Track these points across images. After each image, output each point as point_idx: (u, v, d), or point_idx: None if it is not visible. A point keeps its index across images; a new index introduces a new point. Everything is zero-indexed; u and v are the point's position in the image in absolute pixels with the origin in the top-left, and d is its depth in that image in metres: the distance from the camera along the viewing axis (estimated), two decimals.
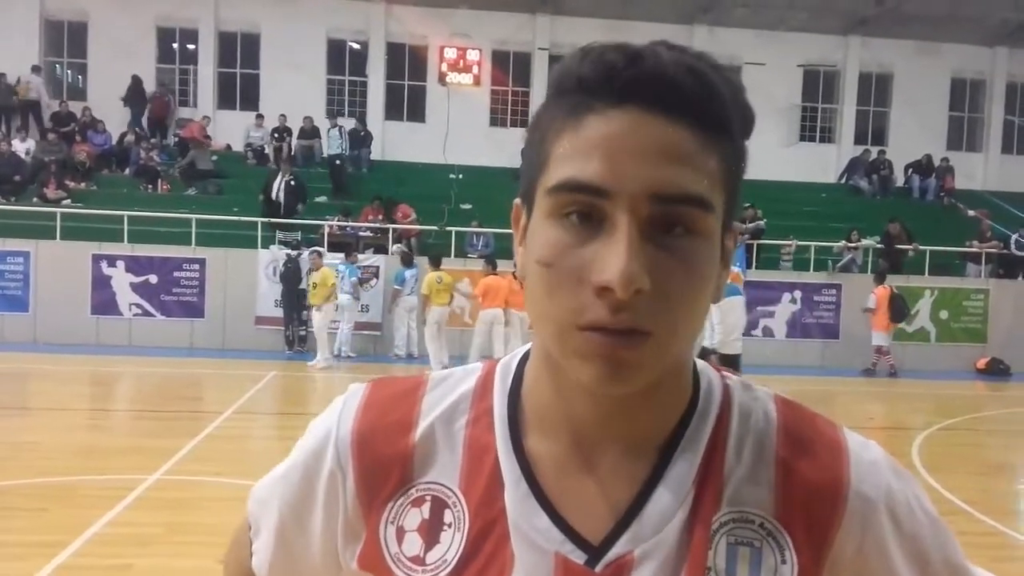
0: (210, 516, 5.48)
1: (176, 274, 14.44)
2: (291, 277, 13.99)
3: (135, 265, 14.35)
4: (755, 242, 15.83)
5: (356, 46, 21.31)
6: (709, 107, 0.68)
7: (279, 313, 14.27)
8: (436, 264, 12.64)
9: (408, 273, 13.74)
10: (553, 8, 20.91)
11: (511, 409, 0.81)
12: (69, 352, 13.10)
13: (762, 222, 16.20)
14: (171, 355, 13.34)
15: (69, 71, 21.12)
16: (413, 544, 0.78)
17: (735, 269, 14.96)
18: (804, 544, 0.75)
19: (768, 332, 15.45)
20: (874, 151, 21.07)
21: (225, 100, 21.02)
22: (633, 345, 0.67)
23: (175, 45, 20.98)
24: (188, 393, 10.92)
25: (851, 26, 21.56)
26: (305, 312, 13.99)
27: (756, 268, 15.63)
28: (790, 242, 16.19)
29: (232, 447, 7.78)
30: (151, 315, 14.40)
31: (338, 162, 18.07)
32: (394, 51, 21.27)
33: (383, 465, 0.81)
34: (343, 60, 21.28)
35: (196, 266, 14.49)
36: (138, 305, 14.38)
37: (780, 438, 0.79)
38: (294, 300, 14.02)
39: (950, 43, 21.75)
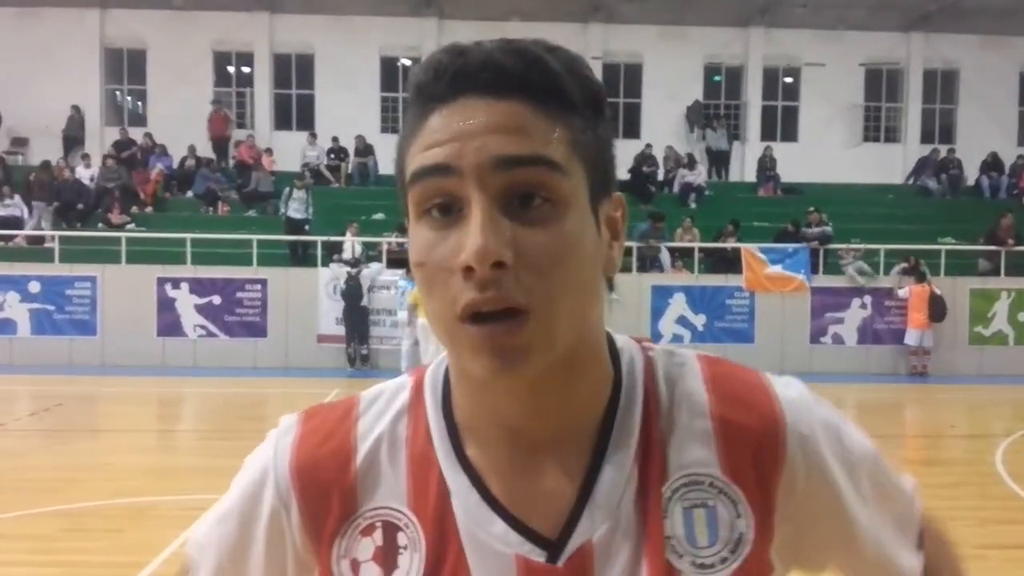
0: None
1: (239, 295, 14.54)
2: (352, 294, 13.99)
3: (199, 287, 14.48)
4: (821, 248, 15.41)
5: (408, 63, 21.37)
6: (538, 80, 0.71)
7: (341, 331, 14.26)
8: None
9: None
10: (606, 16, 20.71)
11: (447, 419, 0.80)
12: (136, 374, 13.24)
13: (828, 227, 15.75)
14: (235, 375, 13.40)
15: (129, 97, 21.56)
16: (371, 573, 0.78)
17: (799, 277, 14.84)
18: (755, 492, 0.77)
19: (838, 339, 14.99)
20: (943, 150, 20.38)
21: (281, 121, 21.24)
22: (514, 329, 0.67)
23: (231, 68, 21.29)
24: (253, 413, 10.92)
25: (913, 22, 20.98)
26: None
27: (824, 274, 15.27)
28: (851, 246, 15.62)
29: None
30: (215, 336, 14.52)
31: (307, 227, 15.91)
32: None
33: (327, 496, 0.80)
34: (396, 77, 21.33)
35: (258, 286, 14.58)
36: (202, 326, 14.50)
37: (711, 396, 0.80)
38: (355, 317, 14.01)
39: (1018, 36, 21.04)
